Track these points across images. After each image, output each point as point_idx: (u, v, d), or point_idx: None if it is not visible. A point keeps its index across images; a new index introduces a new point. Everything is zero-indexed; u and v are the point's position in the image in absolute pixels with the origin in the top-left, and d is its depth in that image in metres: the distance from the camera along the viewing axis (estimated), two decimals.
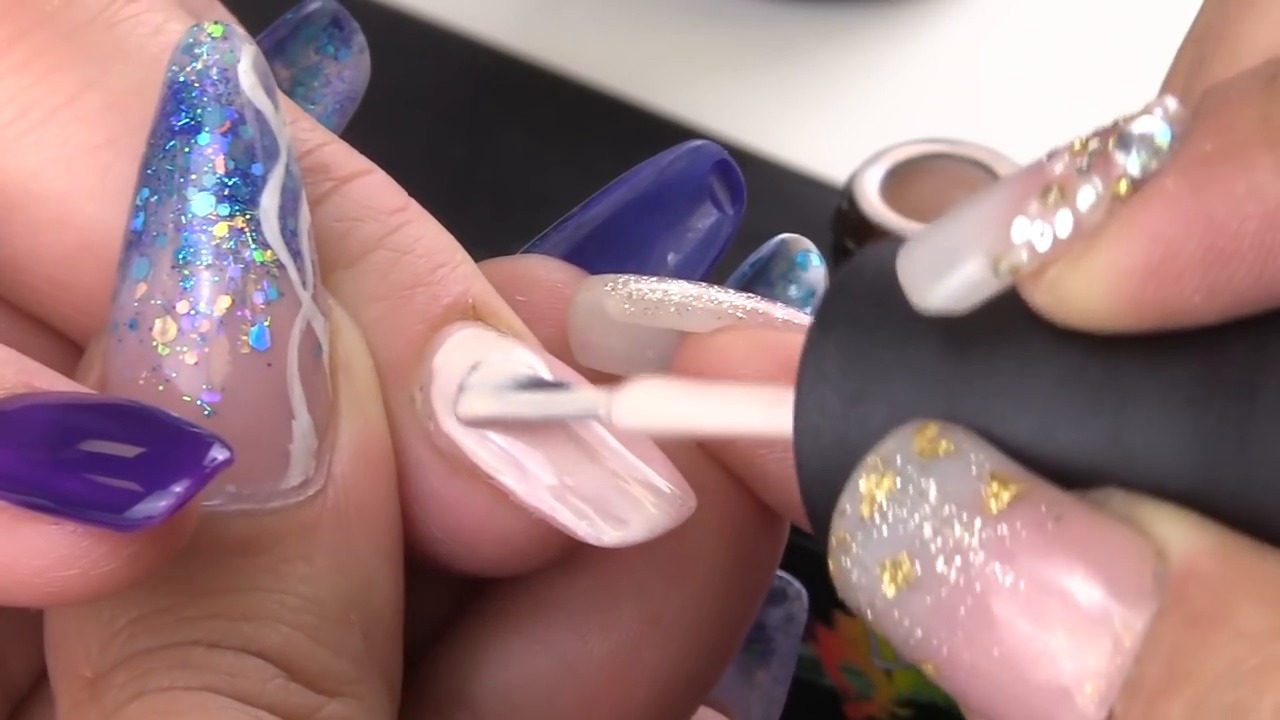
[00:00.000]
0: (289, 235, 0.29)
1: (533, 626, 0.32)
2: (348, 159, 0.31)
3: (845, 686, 0.60)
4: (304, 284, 0.29)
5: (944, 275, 0.25)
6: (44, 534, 0.26)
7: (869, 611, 0.25)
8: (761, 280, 0.35)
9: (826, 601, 0.58)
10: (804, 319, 0.32)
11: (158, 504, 0.25)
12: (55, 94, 0.30)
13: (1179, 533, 0.24)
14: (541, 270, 0.33)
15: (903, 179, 0.58)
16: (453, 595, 0.33)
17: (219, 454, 0.26)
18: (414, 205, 0.31)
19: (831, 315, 0.27)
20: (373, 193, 0.31)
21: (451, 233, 0.32)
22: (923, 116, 0.76)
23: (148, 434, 0.26)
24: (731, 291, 0.32)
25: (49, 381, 0.27)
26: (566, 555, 0.31)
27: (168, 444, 0.26)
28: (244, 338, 0.28)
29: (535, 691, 0.31)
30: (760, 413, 0.28)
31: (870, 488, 0.25)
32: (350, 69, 0.35)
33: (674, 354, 0.31)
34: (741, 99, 0.77)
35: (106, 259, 0.30)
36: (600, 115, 0.76)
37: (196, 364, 0.28)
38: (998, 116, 0.74)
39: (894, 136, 0.60)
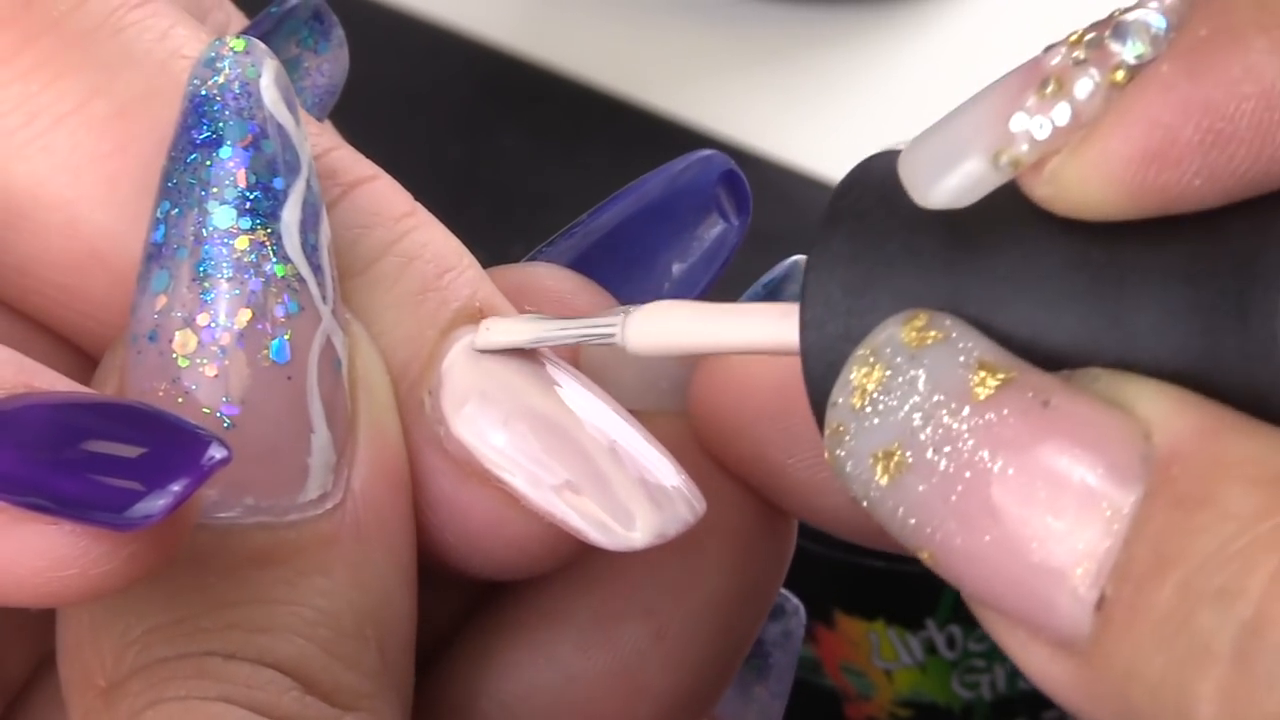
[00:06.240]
0: (310, 249, 0.29)
1: (537, 639, 0.32)
2: (354, 164, 0.31)
3: (845, 686, 0.60)
4: (324, 298, 0.29)
5: (945, 172, 0.25)
6: (42, 534, 0.26)
7: (865, 502, 0.25)
8: (774, 300, 0.35)
9: (827, 602, 0.58)
10: None
11: (156, 503, 0.25)
12: (63, 101, 0.30)
13: (1165, 412, 0.24)
14: (550, 280, 0.33)
15: None
16: (459, 605, 0.33)
17: (217, 452, 0.26)
18: (421, 210, 0.31)
19: (836, 214, 0.27)
20: (380, 198, 0.31)
21: (452, 233, 0.32)
22: (923, 116, 0.76)
23: (148, 433, 0.26)
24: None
25: (49, 382, 0.27)
26: (577, 559, 0.31)
27: (167, 443, 0.26)
28: (264, 351, 0.28)
29: (538, 704, 0.31)
30: (769, 325, 0.28)
31: (861, 379, 0.25)
32: (329, 62, 0.35)
33: (689, 380, 0.31)
34: (741, 99, 0.77)
35: (115, 266, 0.30)
36: (600, 115, 0.76)
37: (216, 376, 0.28)
38: None
39: (894, 136, 0.60)
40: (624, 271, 0.34)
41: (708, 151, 0.34)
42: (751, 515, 0.32)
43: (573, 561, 0.31)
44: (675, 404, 0.31)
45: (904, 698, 0.59)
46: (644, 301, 0.31)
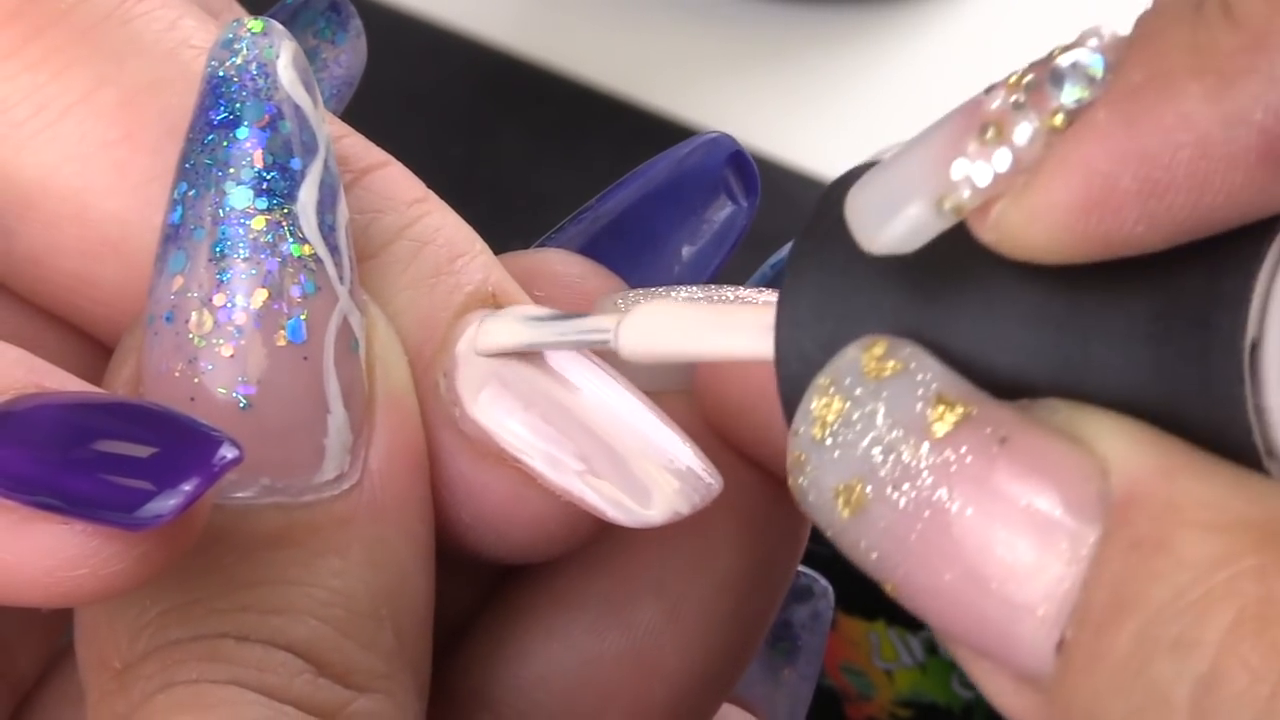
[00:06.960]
0: (327, 230, 0.29)
1: (551, 623, 0.32)
2: (367, 151, 0.31)
3: (845, 687, 0.60)
4: (341, 279, 0.29)
5: (890, 218, 0.25)
6: (53, 534, 0.26)
7: (828, 531, 0.25)
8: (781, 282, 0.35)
9: None
10: None
11: (167, 503, 0.25)
12: (70, 91, 0.30)
13: (1123, 449, 0.24)
14: (559, 265, 0.33)
15: None
16: (474, 592, 0.33)
17: (228, 452, 0.26)
18: (433, 196, 0.32)
19: (809, 233, 0.27)
20: (392, 184, 0.31)
21: (463, 220, 0.32)
22: (923, 116, 0.76)
23: (158, 432, 0.26)
24: (739, 288, 0.32)
25: (59, 382, 0.27)
26: (594, 538, 0.31)
27: (177, 442, 0.26)
28: (280, 331, 0.28)
29: (554, 688, 0.32)
30: (750, 338, 0.28)
31: (821, 409, 0.25)
32: (347, 53, 0.35)
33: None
34: (741, 99, 0.77)
35: (127, 253, 0.30)
36: (600, 115, 0.76)
37: (232, 356, 0.28)
38: None
39: (894, 136, 0.60)
40: (634, 255, 0.34)
41: (714, 134, 0.34)
42: (762, 493, 0.32)
43: (589, 542, 0.31)
44: (688, 383, 0.32)
45: (904, 698, 0.60)
46: (655, 285, 0.31)
